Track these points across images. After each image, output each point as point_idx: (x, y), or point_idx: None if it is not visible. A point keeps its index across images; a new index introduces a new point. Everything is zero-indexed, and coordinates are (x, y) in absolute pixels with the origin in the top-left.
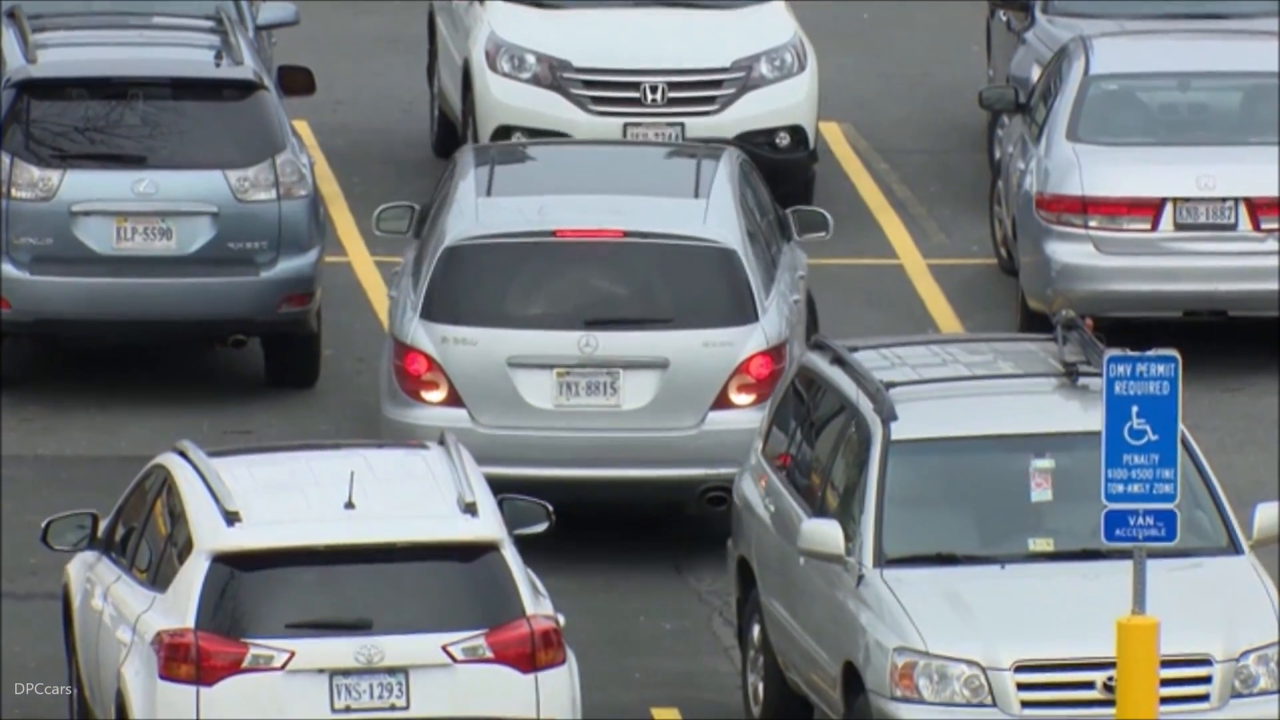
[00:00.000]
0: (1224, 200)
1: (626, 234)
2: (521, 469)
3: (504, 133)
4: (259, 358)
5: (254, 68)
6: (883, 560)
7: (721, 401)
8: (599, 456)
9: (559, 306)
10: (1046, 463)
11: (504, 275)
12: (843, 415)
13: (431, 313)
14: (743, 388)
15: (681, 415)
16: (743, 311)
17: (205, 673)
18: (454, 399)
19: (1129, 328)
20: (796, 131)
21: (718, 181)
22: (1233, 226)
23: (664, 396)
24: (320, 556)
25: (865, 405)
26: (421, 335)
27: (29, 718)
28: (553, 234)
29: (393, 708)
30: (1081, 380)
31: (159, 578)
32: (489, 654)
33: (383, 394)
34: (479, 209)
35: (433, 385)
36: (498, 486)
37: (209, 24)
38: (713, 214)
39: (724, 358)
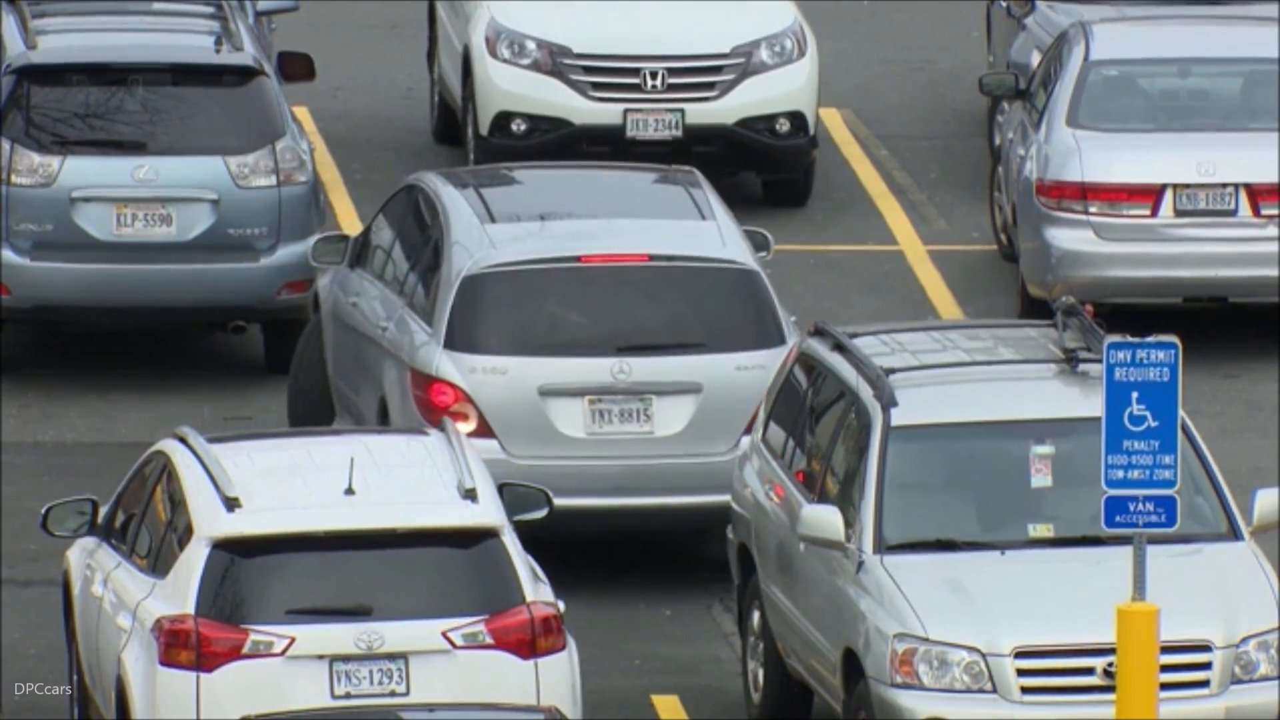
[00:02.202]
0: (1224, 186)
1: (653, 258)
2: (555, 499)
3: (504, 118)
4: (259, 344)
5: (254, 54)
6: (883, 546)
7: (754, 426)
8: (633, 485)
9: (589, 333)
10: (1046, 449)
11: (530, 302)
12: (843, 401)
13: (456, 343)
14: None
15: (715, 440)
16: (771, 333)
17: (205, 659)
18: (484, 430)
19: (1129, 314)
20: (796, 117)
21: (714, 204)
22: (1233, 212)
23: (698, 422)
24: (320, 542)
25: (865, 391)
26: (448, 366)
27: (31, 709)
28: (578, 259)
29: (393, 694)
30: (1081, 366)
31: (159, 564)
32: (489, 640)
33: (397, 428)
34: (491, 236)
35: (461, 416)
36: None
37: (209, 10)
38: (727, 236)
39: (757, 381)
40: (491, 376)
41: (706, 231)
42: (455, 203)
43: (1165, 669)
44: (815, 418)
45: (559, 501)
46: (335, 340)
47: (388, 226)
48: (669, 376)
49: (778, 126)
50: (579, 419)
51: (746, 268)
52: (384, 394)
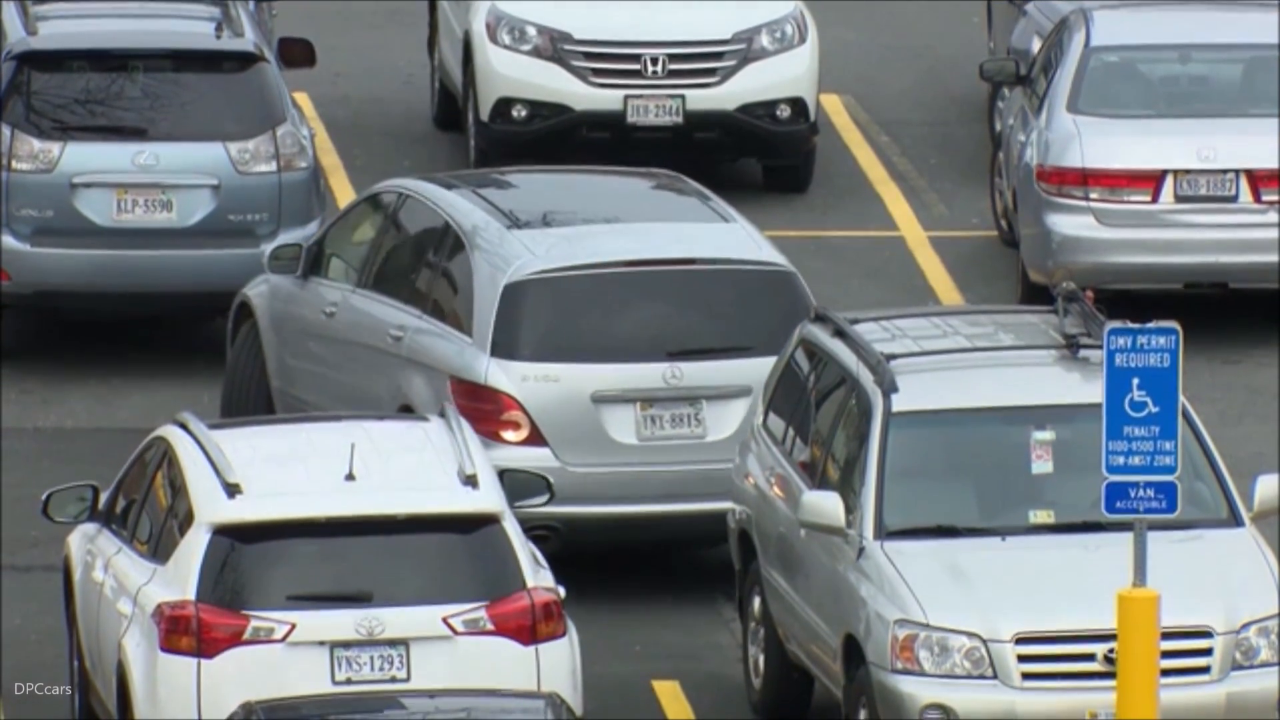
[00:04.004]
0: (1224, 172)
1: (695, 261)
2: (607, 506)
3: (505, 104)
4: None
5: (254, 39)
6: (883, 532)
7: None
8: (685, 490)
9: (639, 338)
10: (1047, 435)
11: (578, 308)
12: (843, 387)
13: (501, 350)
14: None
15: None
16: None
17: (206, 645)
18: (536, 438)
19: (1130, 300)
20: (797, 103)
21: (727, 207)
22: (1233, 198)
23: (748, 426)
24: (321, 528)
25: (866, 377)
26: (498, 374)
27: (31, 700)
28: (623, 264)
29: (393, 680)
30: (1082, 352)
31: (160, 550)
32: (490, 626)
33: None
34: (524, 242)
35: (513, 425)
36: (585, 527)
37: None
38: (758, 238)
39: None
40: (543, 384)
41: (736, 234)
42: (463, 208)
43: (1166, 655)
44: (816, 404)
45: (611, 509)
46: (282, 349)
47: (364, 235)
48: (720, 380)
49: (778, 112)
50: (631, 425)
51: (786, 269)
52: (407, 401)
